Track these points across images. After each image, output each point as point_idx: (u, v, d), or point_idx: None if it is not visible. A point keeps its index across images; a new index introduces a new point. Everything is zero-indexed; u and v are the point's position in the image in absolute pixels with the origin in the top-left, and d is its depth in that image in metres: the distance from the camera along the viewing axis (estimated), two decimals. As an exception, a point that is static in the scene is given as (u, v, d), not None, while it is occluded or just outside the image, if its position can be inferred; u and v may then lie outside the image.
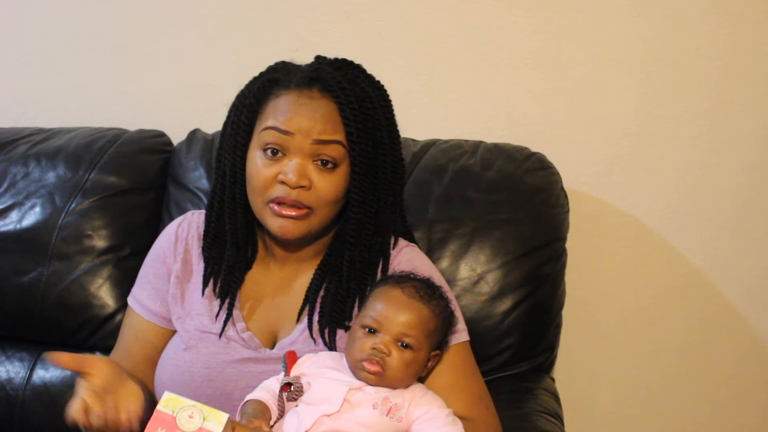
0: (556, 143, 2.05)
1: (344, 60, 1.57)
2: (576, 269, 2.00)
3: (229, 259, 1.56)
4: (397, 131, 1.57)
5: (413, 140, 2.00)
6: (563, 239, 1.91)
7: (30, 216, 1.94)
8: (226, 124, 1.57)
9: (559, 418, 1.77)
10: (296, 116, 1.47)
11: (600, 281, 2.16)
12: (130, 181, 1.97)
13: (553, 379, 1.93)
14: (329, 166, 1.48)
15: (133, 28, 2.22)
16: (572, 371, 2.15)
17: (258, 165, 1.49)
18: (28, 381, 1.93)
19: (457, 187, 1.87)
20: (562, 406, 1.84)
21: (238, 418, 1.36)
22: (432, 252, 1.81)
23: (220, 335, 1.52)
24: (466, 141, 1.98)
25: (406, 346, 1.38)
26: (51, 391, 1.92)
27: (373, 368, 1.37)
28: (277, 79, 1.52)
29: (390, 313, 1.39)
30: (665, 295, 2.16)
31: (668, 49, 2.05)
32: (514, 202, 1.87)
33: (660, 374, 2.20)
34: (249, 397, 1.39)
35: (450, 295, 1.53)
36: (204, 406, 1.30)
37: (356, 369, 1.39)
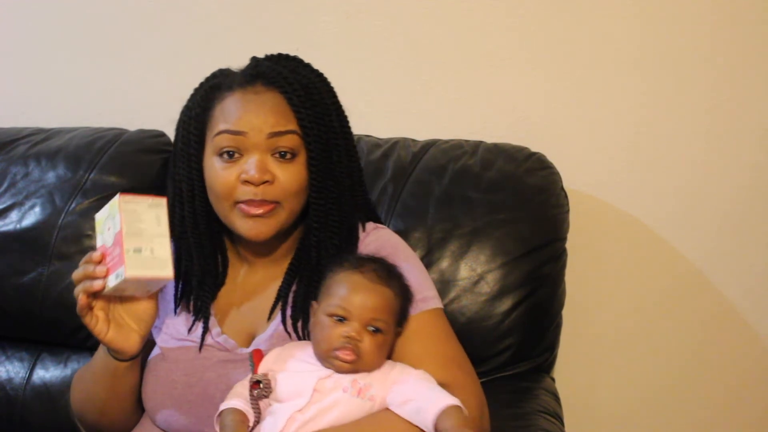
0: (556, 143, 2.05)
1: (280, 54, 1.57)
2: (576, 269, 2.00)
3: (197, 275, 1.55)
4: (345, 115, 1.57)
5: (413, 140, 2.00)
6: (563, 239, 1.91)
7: (30, 216, 1.94)
8: (176, 141, 1.57)
9: (559, 418, 1.77)
10: (246, 114, 1.47)
11: (600, 281, 2.16)
12: (130, 181, 1.97)
13: (553, 379, 1.93)
14: (288, 156, 1.48)
15: (133, 28, 2.22)
16: (572, 371, 2.15)
17: (217, 170, 1.48)
18: (28, 381, 1.93)
19: (457, 187, 1.87)
20: (562, 406, 1.84)
21: (217, 430, 1.38)
22: (432, 252, 1.81)
23: (200, 348, 1.51)
24: (466, 141, 1.98)
25: (377, 330, 1.39)
26: (51, 391, 1.92)
27: (349, 357, 1.36)
28: (218, 84, 1.53)
29: (357, 299, 1.39)
30: (665, 295, 2.16)
31: (668, 49, 2.05)
32: (514, 202, 1.86)
33: (660, 374, 2.20)
34: (223, 406, 1.38)
35: (413, 263, 1.55)
36: (110, 203, 1.38)
37: (328, 359, 1.38)
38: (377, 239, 1.58)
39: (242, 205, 1.47)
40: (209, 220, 1.55)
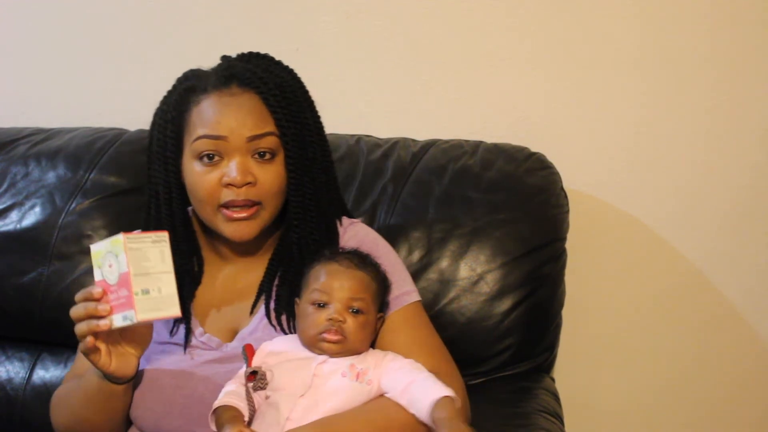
0: (556, 143, 2.05)
1: (251, 53, 1.58)
2: (576, 269, 2.00)
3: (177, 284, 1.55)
4: (317, 111, 1.58)
5: (413, 140, 2.00)
6: (563, 239, 1.91)
7: (30, 216, 1.94)
8: (150, 144, 1.57)
9: (559, 417, 1.77)
10: (224, 118, 1.48)
11: (600, 281, 2.16)
12: (130, 181, 1.97)
13: (553, 379, 1.93)
14: (267, 157, 1.49)
15: (133, 28, 2.22)
16: (572, 371, 2.15)
17: (198, 175, 1.49)
18: (28, 381, 1.93)
19: (457, 187, 1.87)
20: (562, 406, 1.84)
21: (213, 428, 1.38)
22: (432, 252, 1.81)
23: (184, 350, 1.52)
24: (466, 141, 1.98)
25: (357, 311, 1.43)
26: (51, 391, 1.89)
27: (335, 337, 1.41)
28: (192, 86, 1.53)
29: (335, 284, 1.44)
30: (665, 295, 2.16)
31: (668, 48, 2.05)
32: (514, 202, 1.86)
33: (660, 374, 2.20)
34: (216, 404, 1.39)
35: (393, 258, 1.60)
36: (111, 241, 1.35)
37: (315, 343, 1.42)
38: (356, 235, 1.60)
39: (226, 210, 1.49)
40: (185, 223, 1.56)
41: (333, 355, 1.42)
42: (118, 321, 1.34)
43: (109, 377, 1.44)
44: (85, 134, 2.05)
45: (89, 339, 1.35)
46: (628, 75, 2.07)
